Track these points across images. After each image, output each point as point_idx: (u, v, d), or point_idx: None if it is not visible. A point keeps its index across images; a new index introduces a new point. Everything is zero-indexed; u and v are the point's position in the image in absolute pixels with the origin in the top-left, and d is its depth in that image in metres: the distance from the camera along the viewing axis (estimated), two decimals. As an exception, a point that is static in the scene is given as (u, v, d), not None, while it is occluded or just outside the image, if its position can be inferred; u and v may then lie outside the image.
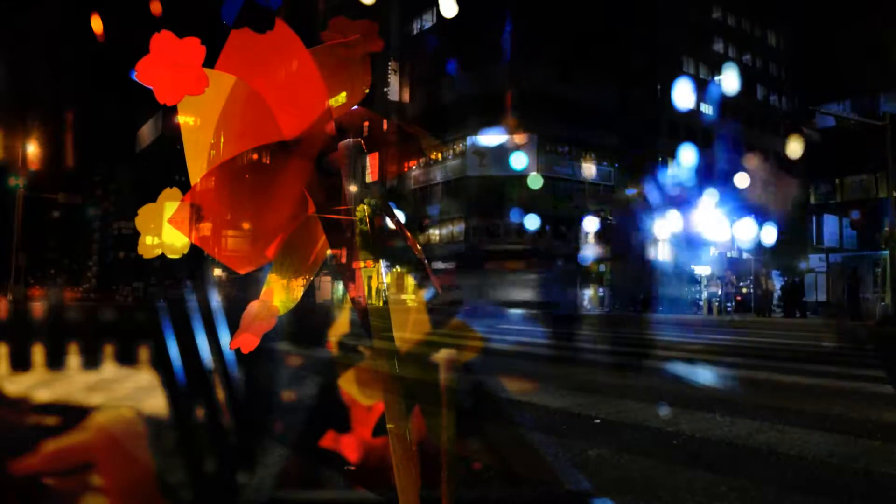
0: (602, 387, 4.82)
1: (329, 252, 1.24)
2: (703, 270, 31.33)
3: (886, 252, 18.96)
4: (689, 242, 35.70)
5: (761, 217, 35.02)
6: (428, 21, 43.82)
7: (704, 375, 5.72)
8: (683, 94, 44.11)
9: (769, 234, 34.97)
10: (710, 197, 36.06)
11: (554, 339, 11.07)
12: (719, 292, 25.14)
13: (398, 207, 1.30)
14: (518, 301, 27.36)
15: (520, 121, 37.35)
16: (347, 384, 1.45)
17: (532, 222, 36.96)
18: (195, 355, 1.96)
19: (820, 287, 29.02)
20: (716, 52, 49.39)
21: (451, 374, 1.35)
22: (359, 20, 1.22)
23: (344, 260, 1.23)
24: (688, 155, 43.27)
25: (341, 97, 1.24)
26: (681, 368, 6.15)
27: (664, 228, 37.19)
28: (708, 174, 43.23)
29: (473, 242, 37.95)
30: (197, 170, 1.11)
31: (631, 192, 37.81)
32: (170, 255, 1.11)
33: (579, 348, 9.27)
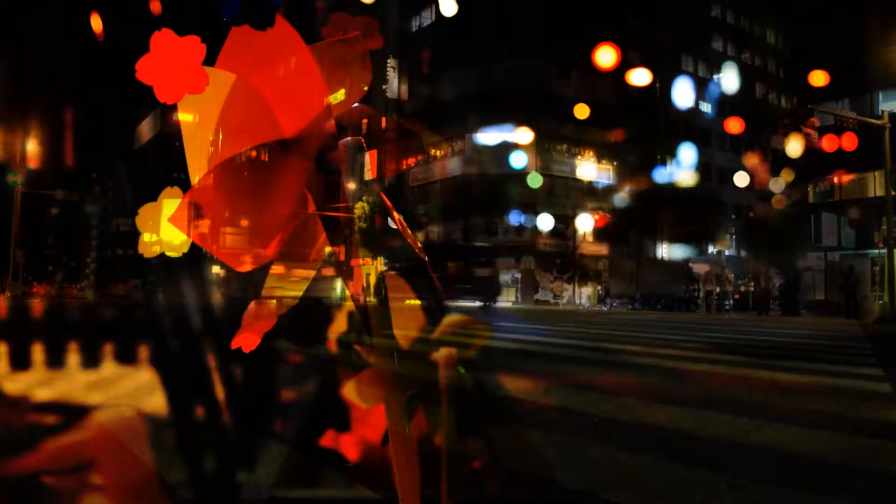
0: (599, 385, 4.83)
1: (328, 249, 1.23)
2: (700, 268, 31.37)
3: (884, 250, 18.99)
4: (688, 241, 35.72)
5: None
6: (427, 19, 43.72)
7: (703, 374, 5.73)
8: (682, 93, 44.09)
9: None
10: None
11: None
12: (717, 290, 25.18)
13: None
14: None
15: (519, 119, 37.28)
16: (348, 384, 1.45)
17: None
18: (194, 354, 1.96)
19: (818, 285, 29.04)
20: (714, 51, 49.36)
21: (450, 373, 1.34)
22: (358, 17, 1.21)
23: (343, 257, 1.22)
24: (687, 153, 43.29)
25: (340, 94, 1.23)
26: (679, 367, 6.15)
27: (662, 227, 37.22)
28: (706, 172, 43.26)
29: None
30: (196, 168, 1.10)
31: (629, 190, 37.84)
32: (169, 253, 1.11)
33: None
